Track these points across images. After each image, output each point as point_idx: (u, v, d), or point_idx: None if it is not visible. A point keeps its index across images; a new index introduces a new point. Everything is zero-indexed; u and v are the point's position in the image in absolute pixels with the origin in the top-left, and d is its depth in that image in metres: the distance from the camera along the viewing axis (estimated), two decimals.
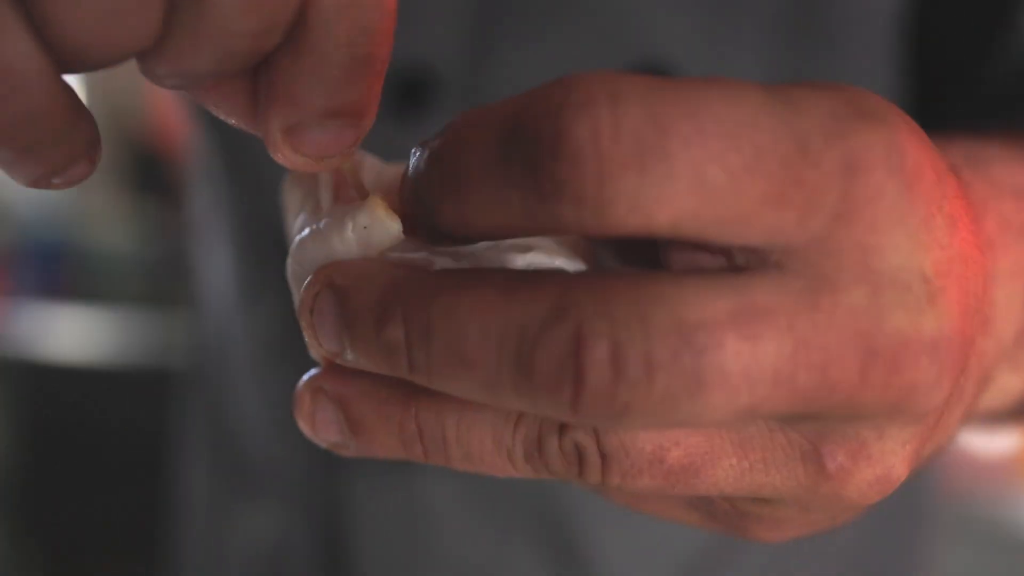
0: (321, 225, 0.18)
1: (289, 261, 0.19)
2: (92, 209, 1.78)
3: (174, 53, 0.16)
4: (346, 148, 0.18)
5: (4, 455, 1.60)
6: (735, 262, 0.16)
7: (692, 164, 0.14)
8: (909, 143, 0.15)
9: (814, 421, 0.16)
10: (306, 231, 0.19)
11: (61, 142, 0.16)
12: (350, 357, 0.17)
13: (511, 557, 0.38)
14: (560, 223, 0.14)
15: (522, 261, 0.17)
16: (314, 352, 0.19)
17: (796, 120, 0.14)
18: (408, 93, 0.35)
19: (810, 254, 0.15)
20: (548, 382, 0.14)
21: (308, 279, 0.18)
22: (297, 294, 0.19)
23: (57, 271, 1.75)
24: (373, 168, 0.20)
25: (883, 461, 0.16)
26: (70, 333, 1.59)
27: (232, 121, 0.18)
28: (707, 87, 0.14)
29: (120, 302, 1.67)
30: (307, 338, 0.18)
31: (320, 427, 0.19)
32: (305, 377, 0.19)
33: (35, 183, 0.16)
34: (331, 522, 0.40)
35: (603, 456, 0.17)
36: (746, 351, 0.14)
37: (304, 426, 0.19)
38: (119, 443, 1.54)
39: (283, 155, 0.18)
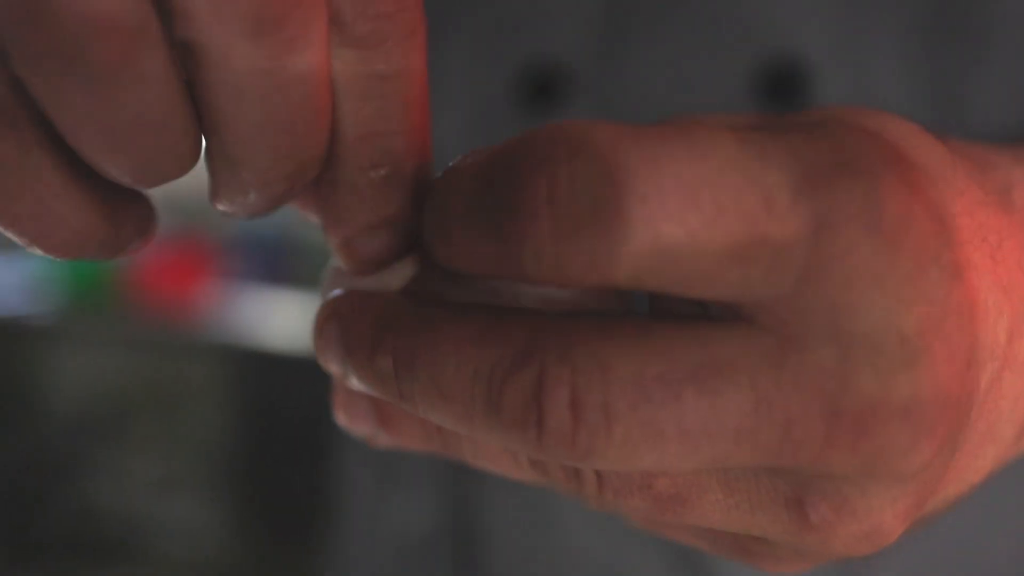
0: None
1: (322, 291, 0.20)
2: None
3: (225, 199, 0.17)
4: (404, 250, 0.19)
5: (224, 436, 1.76)
6: (710, 312, 0.15)
7: (648, 223, 0.13)
8: (895, 194, 0.14)
9: (793, 474, 0.15)
10: (333, 262, 0.20)
11: (108, 246, 0.17)
12: (354, 381, 0.18)
13: (634, 559, 0.38)
14: (525, 275, 0.15)
15: (535, 294, 0.17)
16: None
17: (764, 175, 0.14)
18: (541, 90, 0.35)
19: (780, 311, 0.14)
20: (515, 422, 0.15)
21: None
22: None
23: (274, 261, 1.85)
24: None
25: (869, 517, 0.15)
26: (286, 320, 1.70)
27: (317, 223, 0.20)
28: (675, 139, 0.14)
29: None
30: (319, 361, 0.19)
31: (354, 417, 0.20)
32: None
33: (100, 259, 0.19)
34: (465, 517, 0.42)
35: (597, 473, 0.17)
36: (705, 406, 0.14)
37: (340, 416, 0.20)
38: (329, 427, 1.65)
39: (347, 263, 0.19)
